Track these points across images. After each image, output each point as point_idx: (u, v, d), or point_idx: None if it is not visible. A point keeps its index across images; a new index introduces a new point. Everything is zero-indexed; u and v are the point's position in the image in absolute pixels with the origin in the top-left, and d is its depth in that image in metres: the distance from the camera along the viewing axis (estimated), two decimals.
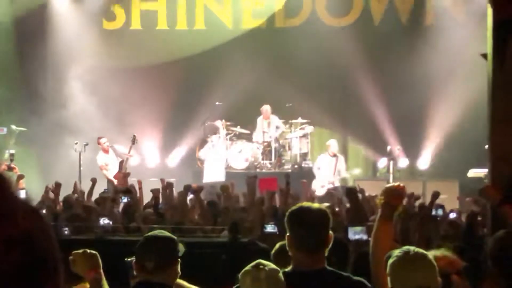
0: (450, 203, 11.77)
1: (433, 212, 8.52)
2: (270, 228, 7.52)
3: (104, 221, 9.04)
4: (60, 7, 18.15)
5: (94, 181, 11.88)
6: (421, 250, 3.57)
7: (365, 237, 4.91)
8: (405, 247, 3.56)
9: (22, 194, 10.51)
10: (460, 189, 14.90)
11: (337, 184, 15.23)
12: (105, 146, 15.93)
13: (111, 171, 15.67)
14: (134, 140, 15.91)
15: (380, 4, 17.67)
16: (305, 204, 3.98)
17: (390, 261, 3.51)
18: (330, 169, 15.60)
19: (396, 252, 3.53)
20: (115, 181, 15.01)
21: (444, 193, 12.54)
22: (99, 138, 16.02)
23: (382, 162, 16.05)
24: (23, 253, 1.50)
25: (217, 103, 17.30)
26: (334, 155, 15.67)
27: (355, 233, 4.98)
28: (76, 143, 15.65)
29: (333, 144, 15.81)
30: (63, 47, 17.87)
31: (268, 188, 11.49)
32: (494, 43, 6.24)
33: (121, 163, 15.65)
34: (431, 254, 3.63)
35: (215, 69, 17.70)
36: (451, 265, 4.08)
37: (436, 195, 8.79)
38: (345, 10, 17.85)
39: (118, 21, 18.65)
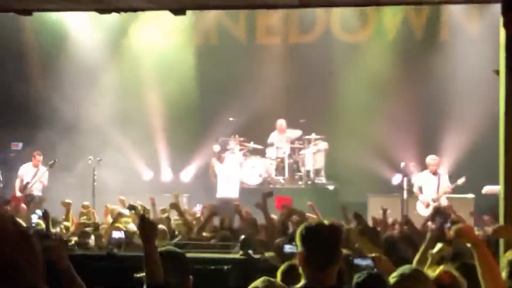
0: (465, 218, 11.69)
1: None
2: (288, 248, 7.34)
3: (117, 234, 9.01)
4: (76, 24, 18.22)
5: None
6: (414, 268, 3.64)
7: (371, 265, 4.89)
8: (401, 268, 3.63)
9: (35, 218, 10.53)
10: (475, 206, 14.80)
11: (443, 202, 14.24)
12: (36, 161, 15.91)
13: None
14: (52, 165, 15.72)
15: (395, 19, 17.64)
16: (318, 220, 3.97)
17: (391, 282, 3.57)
18: (432, 187, 14.61)
19: (394, 274, 3.60)
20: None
21: (459, 209, 12.48)
22: (36, 153, 16.02)
23: (396, 179, 15.94)
24: (9, 282, 1.47)
25: (230, 118, 17.29)
26: (435, 173, 14.75)
27: (362, 260, 4.95)
28: (90, 159, 15.66)
29: (434, 161, 14.79)
30: (78, 63, 17.92)
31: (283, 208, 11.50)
32: (506, 59, 6.19)
33: (27, 183, 15.70)
34: (432, 272, 3.68)
35: (228, 85, 17.71)
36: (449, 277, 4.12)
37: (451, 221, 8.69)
38: (359, 26, 17.84)
39: (132, 37, 18.69)
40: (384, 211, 10.79)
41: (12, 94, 17.62)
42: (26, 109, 17.68)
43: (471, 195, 15.01)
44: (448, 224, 9.07)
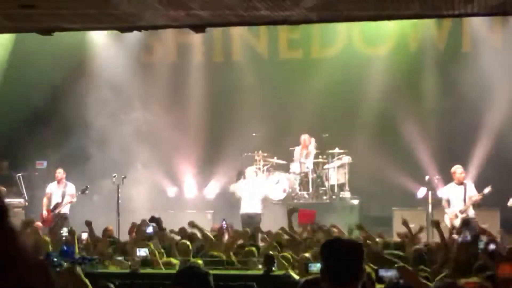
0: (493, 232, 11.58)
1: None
2: (314, 267, 7.27)
3: (141, 252, 9.02)
4: (98, 43, 18.39)
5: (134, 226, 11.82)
6: (450, 280, 3.60)
7: (396, 276, 4.83)
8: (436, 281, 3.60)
9: (64, 232, 10.60)
10: (501, 218, 14.65)
11: (471, 212, 14.04)
12: (58, 177, 15.86)
13: (53, 203, 15.71)
14: (84, 191, 15.74)
15: (416, 32, 17.59)
16: (339, 236, 3.96)
17: None
18: (459, 198, 14.22)
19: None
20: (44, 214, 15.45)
21: (485, 222, 12.38)
22: (56, 168, 16.06)
23: (421, 192, 15.84)
24: None
25: (254, 134, 17.29)
26: (461, 183, 14.38)
27: (387, 272, 4.90)
28: (115, 176, 15.70)
29: (459, 171, 14.42)
30: (101, 81, 18.05)
31: (306, 221, 11.49)
32: None
33: (58, 204, 15.64)
34: (462, 281, 3.65)
35: (251, 100, 17.73)
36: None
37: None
38: (381, 39, 17.79)
39: (155, 54, 18.83)
40: (405, 222, 10.70)
41: (38, 113, 17.78)
42: (51, 128, 17.81)
43: (496, 208, 14.86)
44: (488, 244, 8.98)
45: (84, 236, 10.74)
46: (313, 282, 4.02)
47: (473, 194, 14.17)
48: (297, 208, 11.91)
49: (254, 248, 9.17)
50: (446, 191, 14.54)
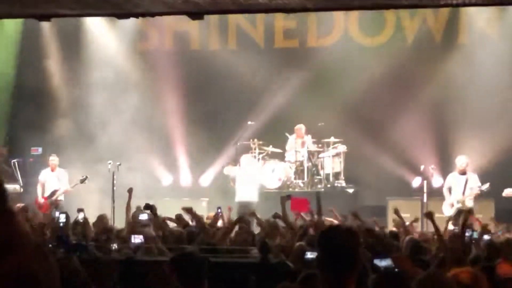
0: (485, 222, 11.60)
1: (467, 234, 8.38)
2: (311, 254, 7.25)
3: (136, 239, 9.01)
4: (95, 30, 18.34)
5: (130, 191, 11.77)
6: (434, 270, 3.64)
7: (391, 265, 4.82)
8: (423, 272, 3.63)
9: (62, 218, 10.60)
10: (496, 209, 14.68)
11: (469, 203, 14.05)
12: (52, 164, 15.87)
13: (47, 190, 15.75)
14: (83, 181, 15.69)
15: (413, 22, 17.57)
16: (336, 225, 3.95)
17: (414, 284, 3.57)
18: (459, 188, 14.22)
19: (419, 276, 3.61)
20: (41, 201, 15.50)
21: (480, 212, 12.41)
22: (50, 155, 16.06)
23: (416, 182, 15.86)
24: None
25: (249, 122, 17.28)
26: (464, 173, 14.37)
27: (381, 261, 4.88)
28: (110, 163, 15.70)
29: (461, 161, 14.43)
30: (97, 68, 18.02)
31: (298, 209, 11.46)
32: None
33: (55, 191, 15.64)
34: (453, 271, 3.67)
35: (247, 88, 17.71)
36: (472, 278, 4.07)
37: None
38: (377, 29, 17.78)
39: (151, 42, 18.78)
40: (396, 211, 10.71)
41: (34, 99, 17.73)
42: (47, 113, 17.79)
43: (491, 198, 14.89)
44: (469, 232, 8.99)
45: (81, 216, 10.74)
46: (313, 275, 4.02)
47: (474, 186, 14.13)
48: (290, 195, 11.89)
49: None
50: (448, 180, 14.50)
